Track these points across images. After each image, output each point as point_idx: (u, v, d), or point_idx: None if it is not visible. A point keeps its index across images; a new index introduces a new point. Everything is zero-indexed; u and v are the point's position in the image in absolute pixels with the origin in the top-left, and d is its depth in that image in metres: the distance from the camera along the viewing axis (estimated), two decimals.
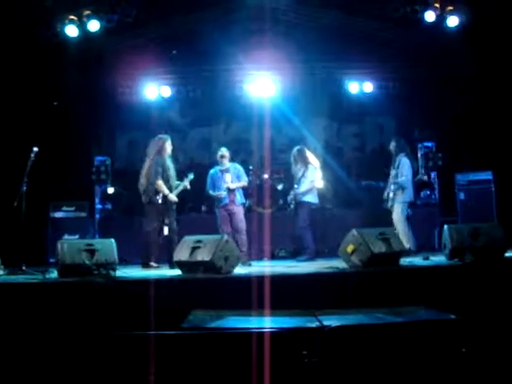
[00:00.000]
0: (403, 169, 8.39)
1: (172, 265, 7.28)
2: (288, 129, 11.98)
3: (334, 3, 9.89)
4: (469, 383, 3.16)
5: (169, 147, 7.99)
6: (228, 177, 8.51)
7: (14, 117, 9.37)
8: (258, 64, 10.85)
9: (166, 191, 7.80)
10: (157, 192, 7.78)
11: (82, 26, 9.13)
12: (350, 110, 11.87)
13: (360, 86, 11.51)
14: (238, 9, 10.07)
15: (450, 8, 9.28)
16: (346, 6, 9.83)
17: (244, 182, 8.62)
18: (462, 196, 9.93)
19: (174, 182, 7.97)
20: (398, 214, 8.31)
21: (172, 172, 7.96)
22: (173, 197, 7.85)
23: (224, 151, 8.65)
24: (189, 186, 8.07)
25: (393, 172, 8.53)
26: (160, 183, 7.77)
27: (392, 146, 8.68)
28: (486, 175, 9.77)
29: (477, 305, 5.42)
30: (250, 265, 8.10)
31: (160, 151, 7.90)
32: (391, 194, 8.46)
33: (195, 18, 10.13)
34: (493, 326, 3.39)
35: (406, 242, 7.91)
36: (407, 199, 8.40)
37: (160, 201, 7.74)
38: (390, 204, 8.47)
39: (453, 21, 9.36)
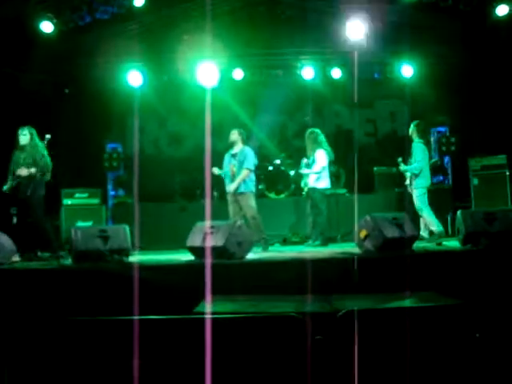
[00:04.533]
0: (415, 155, 8.32)
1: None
2: (300, 114, 11.94)
3: None
4: (482, 369, 3.15)
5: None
6: (232, 166, 8.16)
7: (26, 104, 9.40)
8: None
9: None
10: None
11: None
12: (361, 95, 11.78)
13: (371, 71, 11.40)
14: None
15: None
16: None
17: (245, 170, 8.02)
18: (475, 181, 9.85)
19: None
20: (416, 200, 8.24)
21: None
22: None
23: (232, 133, 8.28)
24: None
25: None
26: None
27: (411, 129, 8.56)
28: (500, 160, 9.67)
29: (491, 290, 5.39)
30: (266, 249, 8.06)
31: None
32: (408, 181, 8.42)
33: None
34: (506, 312, 3.38)
35: (434, 226, 7.89)
36: (424, 184, 8.31)
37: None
38: (410, 189, 8.42)
39: (502, 9, 9.24)
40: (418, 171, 8.23)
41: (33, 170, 7.20)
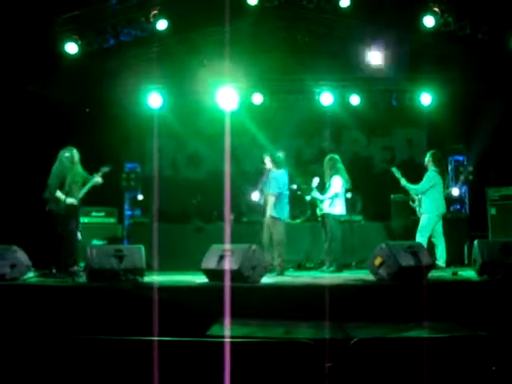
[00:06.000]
0: (424, 179, 8.40)
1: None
2: (317, 140, 11.98)
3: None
4: None
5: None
6: (255, 195, 8.45)
7: (48, 122, 9.54)
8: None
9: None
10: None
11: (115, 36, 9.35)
12: (379, 122, 11.79)
13: (390, 98, 11.43)
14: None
15: None
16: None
17: (270, 196, 8.20)
18: (493, 211, 9.76)
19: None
20: (420, 224, 8.30)
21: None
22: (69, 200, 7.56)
23: (266, 157, 8.47)
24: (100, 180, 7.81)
25: None
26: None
27: (427, 157, 8.61)
28: None
29: (507, 322, 5.31)
30: (281, 274, 8.05)
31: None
32: (416, 203, 8.51)
33: None
34: None
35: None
36: (432, 211, 8.31)
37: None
38: (418, 210, 8.52)
39: None
40: (417, 192, 8.32)
41: None
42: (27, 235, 7.86)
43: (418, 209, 8.49)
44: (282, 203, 8.30)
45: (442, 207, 8.38)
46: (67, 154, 7.62)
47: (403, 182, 8.49)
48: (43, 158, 8.59)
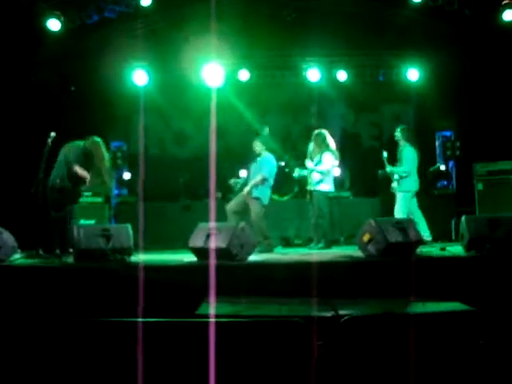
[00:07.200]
0: (404, 157, 8.38)
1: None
2: (305, 116, 11.91)
3: None
4: (486, 376, 3.12)
5: None
6: (243, 172, 8.45)
7: (30, 102, 9.40)
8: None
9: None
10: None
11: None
12: (366, 98, 11.73)
13: (377, 74, 11.36)
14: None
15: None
16: None
17: (258, 177, 8.30)
18: (480, 186, 9.81)
19: None
20: (398, 203, 8.30)
21: None
22: None
23: (256, 142, 8.60)
24: None
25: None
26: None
27: (397, 133, 8.61)
28: (507, 165, 9.62)
29: (494, 297, 5.36)
30: (269, 251, 8.10)
31: None
32: (394, 183, 8.43)
33: None
34: (510, 319, 3.35)
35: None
36: (410, 188, 8.34)
37: None
38: (395, 192, 8.48)
39: (508, 15, 9.21)
40: (406, 174, 8.27)
41: None
42: (11, 216, 7.78)
43: (396, 188, 8.46)
44: (266, 187, 8.39)
45: (417, 184, 8.40)
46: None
47: (389, 168, 8.45)
48: (26, 139, 8.49)
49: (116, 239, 6.51)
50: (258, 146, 8.55)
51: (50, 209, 7.33)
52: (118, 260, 6.41)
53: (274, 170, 8.56)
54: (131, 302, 5.04)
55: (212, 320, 2.93)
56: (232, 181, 8.70)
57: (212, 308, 4.49)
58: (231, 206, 8.35)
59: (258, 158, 8.51)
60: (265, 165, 8.42)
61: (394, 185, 8.47)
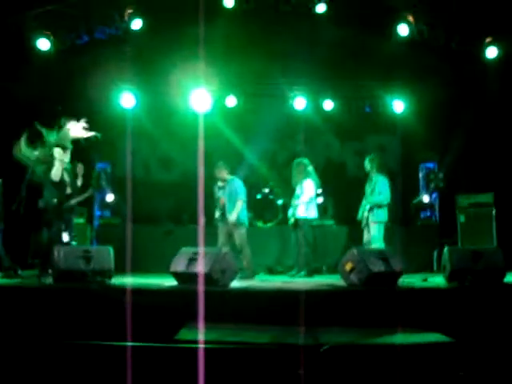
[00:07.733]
0: (379, 187, 8.39)
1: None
2: (291, 143, 11.97)
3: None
4: None
5: None
6: (222, 200, 8.46)
7: (19, 118, 9.35)
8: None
9: None
10: None
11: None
12: (352, 127, 11.82)
13: (363, 105, 11.48)
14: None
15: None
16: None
17: (239, 201, 8.33)
18: (462, 218, 9.88)
19: None
20: (375, 234, 8.27)
21: None
22: None
23: (217, 167, 8.58)
24: None
25: (368, 190, 8.50)
26: None
27: (367, 163, 8.63)
28: (487, 198, 9.71)
29: (475, 329, 5.35)
30: (251, 278, 8.05)
31: None
32: (366, 213, 8.42)
33: None
34: (490, 351, 3.34)
35: None
36: (385, 218, 8.36)
37: None
38: (363, 223, 8.44)
39: (491, 52, 9.49)
40: (387, 202, 8.30)
41: None
42: None
43: (367, 219, 8.41)
44: (244, 209, 8.48)
45: (388, 214, 8.44)
46: None
47: (367, 206, 8.46)
48: (10, 157, 8.40)
49: (96, 261, 6.44)
50: (223, 170, 8.54)
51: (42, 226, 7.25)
52: (98, 282, 6.33)
53: (245, 191, 8.61)
54: (110, 324, 4.97)
55: (190, 346, 2.89)
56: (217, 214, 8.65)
57: (191, 334, 4.42)
58: (222, 243, 8.33)
59: (227, 183, 8.50)
60: (239, 188, 8.44)
61: (365, 215, 8.44)
